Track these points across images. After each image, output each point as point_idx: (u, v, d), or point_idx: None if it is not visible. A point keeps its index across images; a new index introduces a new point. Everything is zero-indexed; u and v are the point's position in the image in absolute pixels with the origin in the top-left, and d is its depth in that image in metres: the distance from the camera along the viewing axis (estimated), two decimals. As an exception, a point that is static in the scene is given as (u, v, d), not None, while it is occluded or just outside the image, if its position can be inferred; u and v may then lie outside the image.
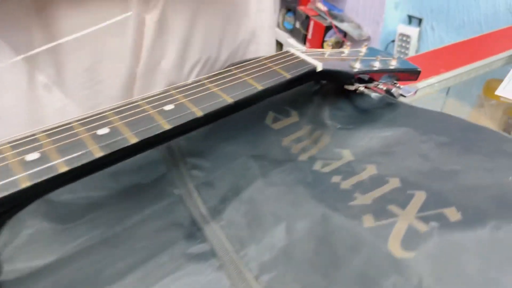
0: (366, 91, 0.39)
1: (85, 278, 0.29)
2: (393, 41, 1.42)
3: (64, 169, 0.23)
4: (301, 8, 1.60)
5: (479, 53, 0.67)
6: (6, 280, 0.29)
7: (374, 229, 0.27)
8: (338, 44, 1.56)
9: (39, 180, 0.22)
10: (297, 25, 1.62)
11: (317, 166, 0.35)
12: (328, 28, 1.49)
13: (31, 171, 0.23)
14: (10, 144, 0.25)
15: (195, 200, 0.35)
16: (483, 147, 0.31)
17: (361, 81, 0.41)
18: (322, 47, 1.53)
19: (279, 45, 1.75)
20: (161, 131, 0.27)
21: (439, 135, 0.34)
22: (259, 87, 0.33)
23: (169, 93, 0.31)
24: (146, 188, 0.36)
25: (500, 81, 0.66)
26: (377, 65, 0.41)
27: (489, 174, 0.29)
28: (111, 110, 0.29)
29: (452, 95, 0.64)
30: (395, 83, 0.43)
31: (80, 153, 0.24)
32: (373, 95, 0.38)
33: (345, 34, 1.50)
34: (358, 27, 1.47)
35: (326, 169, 0.35)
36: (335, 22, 1.48)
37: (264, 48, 0.52)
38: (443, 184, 0.29)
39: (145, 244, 0.30)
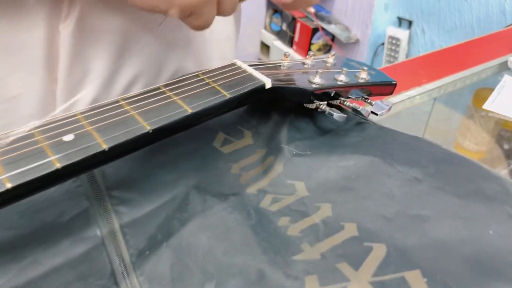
0: (328, 110, 0.34)
1: None
2: (382, 44, 1.37)
3: None
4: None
5: (468, 60, 0.62)
6: None
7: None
8: (326, 47, 1.50)
9: None
10: (284, 27, 1.57)
11: (265, 202, 0.30)
12: (315, 30, 1.44)
13: None
14: None
15: (118, 244, 0.29)
16: (460, 187, 0.25)
17: (325, 97, 0.35)
18: (309, 49, 1.47)
19: (266, 47, 1.69)
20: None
21: (409, 168, 0.28)
22: (189, 110, 0.27)
23: (76, 117, 0.26)
24: (62, 228, 0.30)
25: (490, 90, 0.61)
26: (342, 79, 0.35)
27: (464, 224, 0.23)
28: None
29: (440, 100, 0.58)
30: (366, 99, 0.37)
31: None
32: (336, 115, 0.33)
33: (333, 36, 1.45)
34: (346, 29, 1.41)
35: (275, 207, 0.29)
36: (322, 24, 1.42)
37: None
38: (408, 236, 0.23)
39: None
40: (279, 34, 1.61)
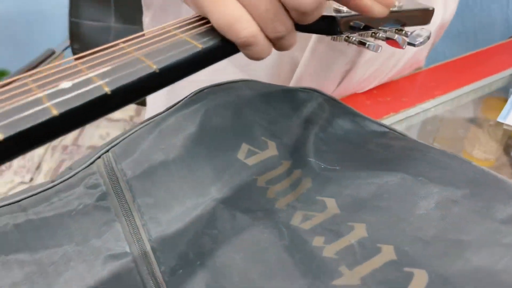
0: (359, 39, 0.31)
1: None
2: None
3: None
4: None
5: (478, 70, 0.62)
6: None
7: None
8: None
9: None
10: None
11: (295, 219, 0.29)
12: None
13: None
14: None
15: (149, 262, 0.28)
16: (500, 211, 0.25)
17: (354, 28, 0.31)
18: None
19: None
20: None
21: (443, 188, 0.28)
22: (199, 45, 0.23)
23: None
24: (89, 244, 0.29)
25: (499, 99, 0.61)
26: None
27: (505, 252, 0.23)
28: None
29: (448, 111, 0.59)
30: (400, 30, 0.33)
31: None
32: (371, 45, 0.29)
33: None
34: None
35: (307, 225, 0.28)
36: None
37: None
38: (449, 263, 0.23)
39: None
40: None
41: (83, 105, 0.19)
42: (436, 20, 0.53)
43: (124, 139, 0.34)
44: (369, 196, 0.29)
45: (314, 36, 0.45)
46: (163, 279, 0.27)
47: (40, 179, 1.04)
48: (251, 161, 0.34)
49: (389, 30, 0.32)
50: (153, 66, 0.22)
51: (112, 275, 0.28)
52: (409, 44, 0.32)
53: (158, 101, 0.56)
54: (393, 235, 0.26)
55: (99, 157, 0.33)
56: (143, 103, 0.83)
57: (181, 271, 0.27)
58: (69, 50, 1.30)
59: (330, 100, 0.39)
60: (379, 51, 0.31)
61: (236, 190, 0.32)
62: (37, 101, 0.19)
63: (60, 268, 0.28)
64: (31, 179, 1.04)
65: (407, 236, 0.25)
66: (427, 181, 0.28)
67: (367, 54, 0.48)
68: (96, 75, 0.21)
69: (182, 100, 0.38)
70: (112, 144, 0.34)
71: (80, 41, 1.24)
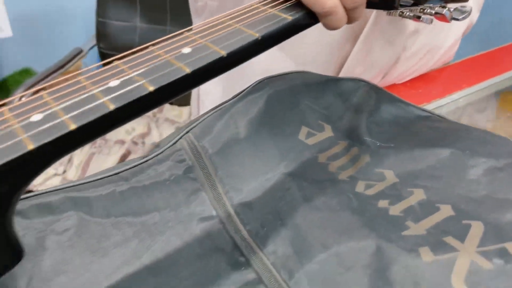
0: (413, 13, 0.37)
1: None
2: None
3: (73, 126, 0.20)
4: None
5: (500, 66, 0.66)
6: None
7: (434, 264, 0.26)
8: None
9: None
10: None
11: (359, 187, 0.34)
12: None
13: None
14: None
15: (235, 223, 0.33)
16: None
17: (404, 5, 0.36)
18: None
19: None
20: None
21: (488, 159, 0.33)
22: (255, 34, 0.27)
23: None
24: (181, 209, 0.34)
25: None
26: None
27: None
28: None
29: (467, 106, 0.63)
30: (443, 7, 0.38)
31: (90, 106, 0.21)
32: (424, 17, 0.35)
33: None
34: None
35: (370, 192, 0.33)
36: None
37: None
38: (500, 215, 0.28)
39: (190, 272, 0.28)
40: None
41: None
42: (462, 23, 0.58)
43: (201, 122, 0.39)
44: (424, 167, 0.34)
45: (365, 30, 0.49)
46: (249, 236, 0.32)
47: (72, 171, 1.09)
48: (310, 141, 0.39)
49: (435, 7, 0.37)
50: (256, 34, 0.27)
51: (205, 233, 0.33)
52: (454, 19, 0.37)
53: (214, 94, 0.61)
54: (449, 197, 0.30)
55: (181, 137, 0.38)
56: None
57: (265, 229, 0.32)
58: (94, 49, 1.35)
59: (375, 88, 0.44)
60: (431, 23, 0.36)
61: (301, 165, 0.37)
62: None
63: (160, 228, 0.33)
64: (64, 171, 1.09)
65: (462, 197, 0.30)
66: (474, 154, 0.33)
67: (410, 50, 0.53)
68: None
69: (245, 89, 0.43)
70: (191, 126, 0.39)
71: (106, 40, 1.29)
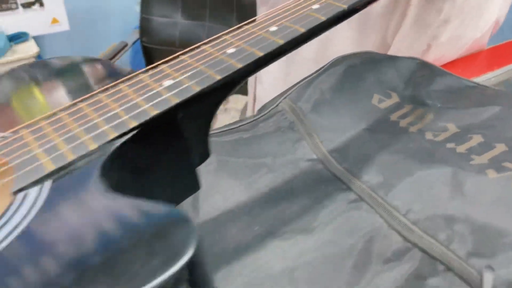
0: None
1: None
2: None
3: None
4: None
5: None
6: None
7: (498, 179, 0.35)
8: None
9: None
10: None
11: (428, 136, 0.44)
12: None
13: None
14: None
15: (332, 163, 0.43)
16: None
17: None
18: None
19: None
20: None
21: (530, 113, 0.42)
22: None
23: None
24: (289, 153, 0.44)
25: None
26: None
27: None
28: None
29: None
30: None
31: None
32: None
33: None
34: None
35: (438, 139, 0.43)
36: None
37: None
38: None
39: (305, 196, 0.38)
40: None
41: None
42: (492, 16, 0.67)
43: (295, 89, 0.49)
44: (479, 120, 0.43)
45: (404, 21, 0.59)
46: (346, 170, 0.41)
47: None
48: (382, 106, 0.49)
49: None
50: (343, 5, 0.35)
51: (310, 170, 0.42)
52: None
53: (277, 78, 0.71)
54: (502, 138, 0.40)
55: (281, 101, 0.48)
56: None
57: (358, 165, 0.42)
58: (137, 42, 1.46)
59: (428, 64, 0.54)
60: None
61: (377, 123, 0.47)
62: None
63: (275, 167, 0.43)
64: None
65: (512, 139, 0.40)
66: (518, 109, 0.43)
67: (440, 38, 0.63)
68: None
69: (325, 65, 0.52)
70: (288, 93, 0.49)
71: (149, 35, 1.39)
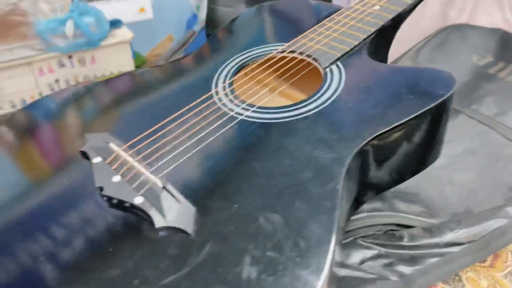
0: None
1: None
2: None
3: None
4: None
5: None
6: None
7: None
8: None
9: None
10: None
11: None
12: None
13: None
14: None
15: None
16: None
17: None
18: None
19: None
20: None
21: None
22: None
23: None
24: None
25: None
26: None
27: None
28: None
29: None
30: None
31: None
32: None
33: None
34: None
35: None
36: None
37: None
38: None
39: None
40: None
41: None
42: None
43: (413, 49, 0.63)
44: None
45: None
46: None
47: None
48: (480, 63, 0.63)
49: None
50: None
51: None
52: None
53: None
54: None
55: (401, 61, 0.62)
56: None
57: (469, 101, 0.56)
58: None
59: (508, 33, 0.68)
60: None
61: (479, 73, 0.61)
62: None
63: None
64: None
65: None
66: None
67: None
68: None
69: (429, 35, 0.67)
70: (407, 53, 0.63)
71: (213, 24, 1.53)
